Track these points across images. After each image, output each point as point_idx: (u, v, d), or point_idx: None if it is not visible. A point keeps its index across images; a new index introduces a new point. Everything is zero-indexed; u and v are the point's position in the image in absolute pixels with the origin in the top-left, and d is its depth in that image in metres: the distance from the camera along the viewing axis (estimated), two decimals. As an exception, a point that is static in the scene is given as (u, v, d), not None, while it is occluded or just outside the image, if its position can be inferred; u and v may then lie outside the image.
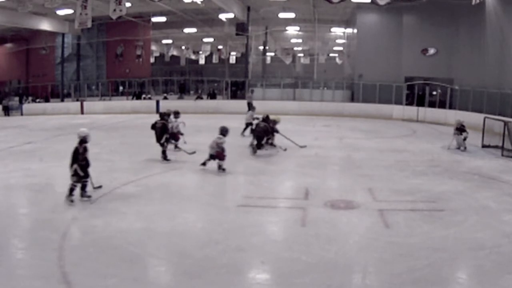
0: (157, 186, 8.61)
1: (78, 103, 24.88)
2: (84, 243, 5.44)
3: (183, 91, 31.49)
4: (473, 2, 16.40)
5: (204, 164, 9.49)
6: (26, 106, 25.17)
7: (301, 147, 12.25)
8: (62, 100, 27.53)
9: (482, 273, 4.71)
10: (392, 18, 23.26)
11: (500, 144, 11.87)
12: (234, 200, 7.40)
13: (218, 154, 9.32)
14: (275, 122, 12.31)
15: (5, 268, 4.72)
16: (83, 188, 7.28)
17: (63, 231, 5.77)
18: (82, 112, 23.95)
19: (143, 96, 27.99)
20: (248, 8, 25.15)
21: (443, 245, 5.40)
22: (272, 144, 12.12)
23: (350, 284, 4.61)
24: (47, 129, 17.15)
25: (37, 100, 28.18)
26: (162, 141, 10.56)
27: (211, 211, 6.81)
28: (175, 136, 11.56)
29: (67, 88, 29.33)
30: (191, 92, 32.61)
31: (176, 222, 6.26)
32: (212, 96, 27.44)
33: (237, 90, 26.54)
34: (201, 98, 26.90)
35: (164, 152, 10.64)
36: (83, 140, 7.35)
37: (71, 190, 7.14)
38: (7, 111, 23.77)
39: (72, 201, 7.10)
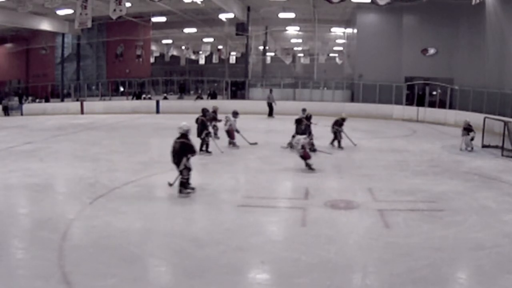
0: (157, 186, 8.61)
1: (78, 103, 24.87)
2: (84, 243, 5.44)
3: (183, 91, 31.49)
4: (473, 2, 16.39)
5: (310, 167, 9.54)
6: (26, 106, 25.16)
7: (355, 145, 12.59)
8: (62, 100, 27.53)
9: (482, 273, 4.71)
10: (392, 18, 23.25)
11: (500, 144, 11.87)
12: (234, 200, 7.40)
13: (305, 154, 9.49)
14: (343, 120, 12.53)
15: (5, 268, 4.71)
16: (184, 185, 7.47)
17: (63, 231, 5.77)
18: (82, 112, 23.94)
19: (143, 96, 27.98)
20: (248, 8, 25.14)
21: (443, 245, 5.40)
22: (340, 146, 12.42)
23: (350, 284, 4.61)
24: (47, 129, 17.14)
25: (37, 100, 28.17)
26: (202, 136, 11.27)
27: (211, 211, 6.81)
28: (231, 133, 12.40)
29: (67, 88, 29.31)
30: (191, 92, 32.60)
31: (176, 222, 6.26)
32: (213, 96, 27.41)
33: (237, 90, 26.56)
34: (201, 98, 26.87)
35: (207, 145, 11.41)
36: (185, 134, 7.51)
37: (185, 184, 7.41)
38: (7, 111, 23.77)
39: (189, 192, 7.45)
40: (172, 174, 9.43)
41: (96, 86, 29.33)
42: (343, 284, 4.53)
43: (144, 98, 27.14)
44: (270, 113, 21.47)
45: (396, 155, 11.78)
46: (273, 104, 21.68)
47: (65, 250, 5.15)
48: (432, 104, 20.85)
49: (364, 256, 5.12)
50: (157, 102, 24.60)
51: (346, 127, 12.71)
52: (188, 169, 7.41)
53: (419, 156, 11.70)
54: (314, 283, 4.48)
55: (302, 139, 9.59)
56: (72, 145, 13.05)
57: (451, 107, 19.88)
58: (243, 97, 25.48)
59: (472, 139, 12.29)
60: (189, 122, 15.17)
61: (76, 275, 4.55)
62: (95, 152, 11.86)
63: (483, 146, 12.74)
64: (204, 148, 11.44)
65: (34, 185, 8.22)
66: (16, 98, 27.01)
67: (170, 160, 10.96)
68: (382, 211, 6.72)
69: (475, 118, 14.65)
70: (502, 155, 11.56)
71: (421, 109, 20.47)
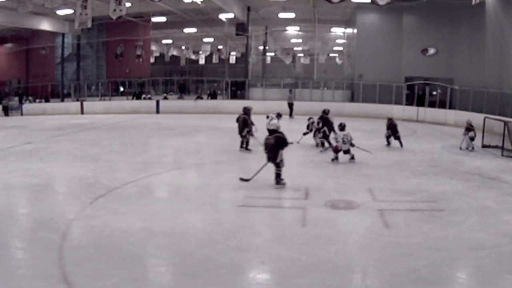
0: (157, 186, 8.63)
1: (78, 103, 24.89)
2: (84, 243, 5.43)
3: (183, 91, 31.50)
4: (473, 2, 16.40)
5: (337, 158, 10.46)
6: (26, 106, 25.17)
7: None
8: (62, 100, 27.53)
9: (482, 273, 4.70)
10: (392, 18, 23.26)
11: (500, 144, 11.87)
12: (234, 200, 7.39)
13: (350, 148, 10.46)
14: (390, 120, 13.09)
15: (5, 268, 4.71)
16: (279, 176, 8.05)
17: (63, 231, 5.76)
18: (82, 112, 23.96)
19: (143, 96, 27.99)
20: (248, 8, 25.15)
21: (443, 245, 5.40)
22: (400, 142, 12.78)
23: (350, 284, 4.60)
24: (47, 129, 17.14)
25: (37, 100, 28.16)
26: (244, 133, 11.72)
27: (211, 211, 6.81)
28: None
29: (67, 88, 29.31)
30: (191, 92, 32.61)
31: (176, 222, 6.25)
32: (213, 96, 27.44)
33: (237, 90, 26.57)
34: (201, 98, 26.90)
35: (247, 143, 11.81)
36: (275, 130, 8.15)
37: (280, 175, 8.05)
38: (7, 111, 23.76)
39: (284, 182, 8.04)
40: (173, 174, 9.49)
41: (96, 86, 29.32)
42: (343, 284, 4.53)
43: (144, 98, 27.14)
44: (291, 113, 21.36)
45: (396, 155, 11.78)
46: (293, 104, 21.54)
47: (65, 250, 5.15)
48: (432, 104, 20.86)
49: (364, 256, 5.11)
50: (157, 102, 24.62)
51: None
52: (282, 161, 8.00)
53: (419, 156, 11.70)
54: (314, 283, 4.47)
55: (349, 135, 10.35)
56: (72, 145, 13.05)
57: (451, 107, 19.89)
58: (243, 97, 25.48)
59: (472, 138, 12.29)
60: (189, 122, 15.12)
61: (76, 275, 4.55)
62: (95, 152, 11.86)
63: (483, 146, 12.74)
64: (244, 146, 11.78)
65: (34, 185, 8.21)
66: (16, 98, 27.02)
67: (171, 160, 11.09)
68: (382, 211, 6.71)
69: (475, 118, 14.66)
70: (502, 155, 11.56)
71: (421, 109, 20.47)
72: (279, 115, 13.30)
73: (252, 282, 4.64)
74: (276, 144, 7.96)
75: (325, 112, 12.82)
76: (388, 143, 12.98)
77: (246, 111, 12.25)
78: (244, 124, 11.75)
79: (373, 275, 4.71)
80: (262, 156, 11.30)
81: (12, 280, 4.46)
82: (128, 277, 4.54)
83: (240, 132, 11.77)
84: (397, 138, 12.85)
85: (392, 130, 12.92)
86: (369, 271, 4.79)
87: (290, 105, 21.53)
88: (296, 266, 4.84)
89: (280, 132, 8.12)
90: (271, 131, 8.14)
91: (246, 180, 8.29)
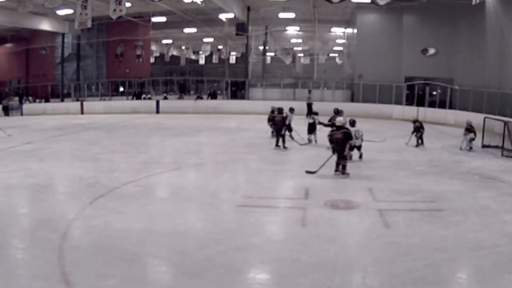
0: (157, 186, 8.63)
1: (78, 103, 24.88)
2: (84, 243, 5.44)
3: (183, 91, 31.49)
4: (473, 2, 16.38)
5: (351, 157, 10.49)
6: (26, 106, 25.15)
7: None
8: (62, 100, 27.50)
9: (482, 273, 4.71)
10: (392, 18, 23.25)
11: (500, 144, 11.87)
12: (234, 200, 7.39)
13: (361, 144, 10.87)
14: (413, 122, 13.35)
15: (5, 268, 4.71)
16: (345, 167, 8.83)
17: (63, 231, 5.76)
18: (82, 112, 23.95)
19: (143, 96, 27.97)
20: (248, 8, 25.14)
21: (443, 245, 5.40)
22: (422, 143, 12.91)
23: (350, 284, 4.61)
24: (47, 129, 17.15)
25: (37, 100, 28.15)
26: (283, 132, 12.29)
27: (211, 211, 6.81)
28: (290, 128, 13.53)
29: (67, 88, 29.28)
30: (191, 92, 32.59)
31: (176, 222, 6.26)
32: (213, 96, 27.42)
33: (237, 90, 26.57)
34: (201, 98, 26.91)
35: (283, 141, 12.27)
36: (342, 126, 9.01)
37: (345, 167, 8.84)
38: (7, 111, 23.75)
39: (348, 173, 8.81)
40: (173, 174, 9.49)
41: (96, 86, 29.28)
42: (343, 284, 4.53)
43: (144, 98, 27.13)
44: (309, 113, 21.29)
45: (396, 155, 11.78)
46: (312, 104, 21.55)
47: (65, 250, 5.15)
48: (432, 104, 20.86)
49: (364, 256, 5.12)
50: (157, 102, 24.63)
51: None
52: (349, 153, 8.85)
53: (419, 156, 11.71)
54: (314, 283, 4.47)
55: (360, 130, 10.79)
56: (72, 145, 13.06)
57: (451, 107, 19.88)
58: (243, 97, 25.50)
59: (471, 139, 12.29)
60: (189, 122, 15.06)
61: (76, 275, 4.55)
62: (95, 152, 11.86)
63: (483, 146, 12.74)
64: (280, 144, 12.21)
65: (34, 185, 8.21)
66: (16, 98, 26.98)
67: (171, 160, 11.08)
68: (382, 211, 6.71)
69: (475, 118, 14.65)
70: (502, 155, 11.56)
71: (421, 109, 20.45)
72: (291, 110, 13.87)
73: (252, 282, 4.64)
74: (344, 138, 8.76)
75: (337, 111, 13.14)
76: (421, 143, 13.05)
77: (280, 110, 12.75)
78: (283, 123, 12.27)
79: (373, 275, 4.72)
80: (263, 156, 11.39)
81: (12, 280, 4.46)
82: (128, 277, 4.54)
83: (279, 131, 12.25)
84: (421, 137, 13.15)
85: (423, 129, 13.13)
86: (369, 271, 4.79)
87: (309, 105, 21.48)
88: (296, 266, 4.84)
89: (347, 128, 9.06)
90: (338, 127, 8.99)
91: (313, 173, 8.85)
